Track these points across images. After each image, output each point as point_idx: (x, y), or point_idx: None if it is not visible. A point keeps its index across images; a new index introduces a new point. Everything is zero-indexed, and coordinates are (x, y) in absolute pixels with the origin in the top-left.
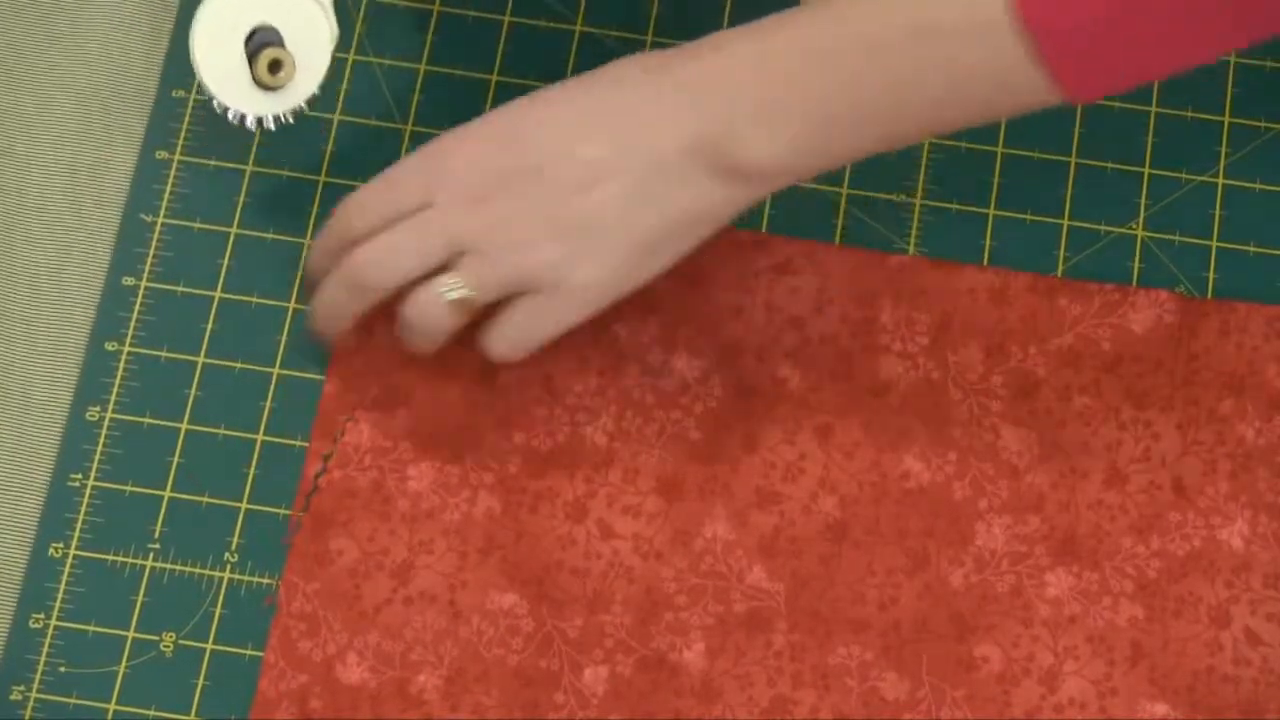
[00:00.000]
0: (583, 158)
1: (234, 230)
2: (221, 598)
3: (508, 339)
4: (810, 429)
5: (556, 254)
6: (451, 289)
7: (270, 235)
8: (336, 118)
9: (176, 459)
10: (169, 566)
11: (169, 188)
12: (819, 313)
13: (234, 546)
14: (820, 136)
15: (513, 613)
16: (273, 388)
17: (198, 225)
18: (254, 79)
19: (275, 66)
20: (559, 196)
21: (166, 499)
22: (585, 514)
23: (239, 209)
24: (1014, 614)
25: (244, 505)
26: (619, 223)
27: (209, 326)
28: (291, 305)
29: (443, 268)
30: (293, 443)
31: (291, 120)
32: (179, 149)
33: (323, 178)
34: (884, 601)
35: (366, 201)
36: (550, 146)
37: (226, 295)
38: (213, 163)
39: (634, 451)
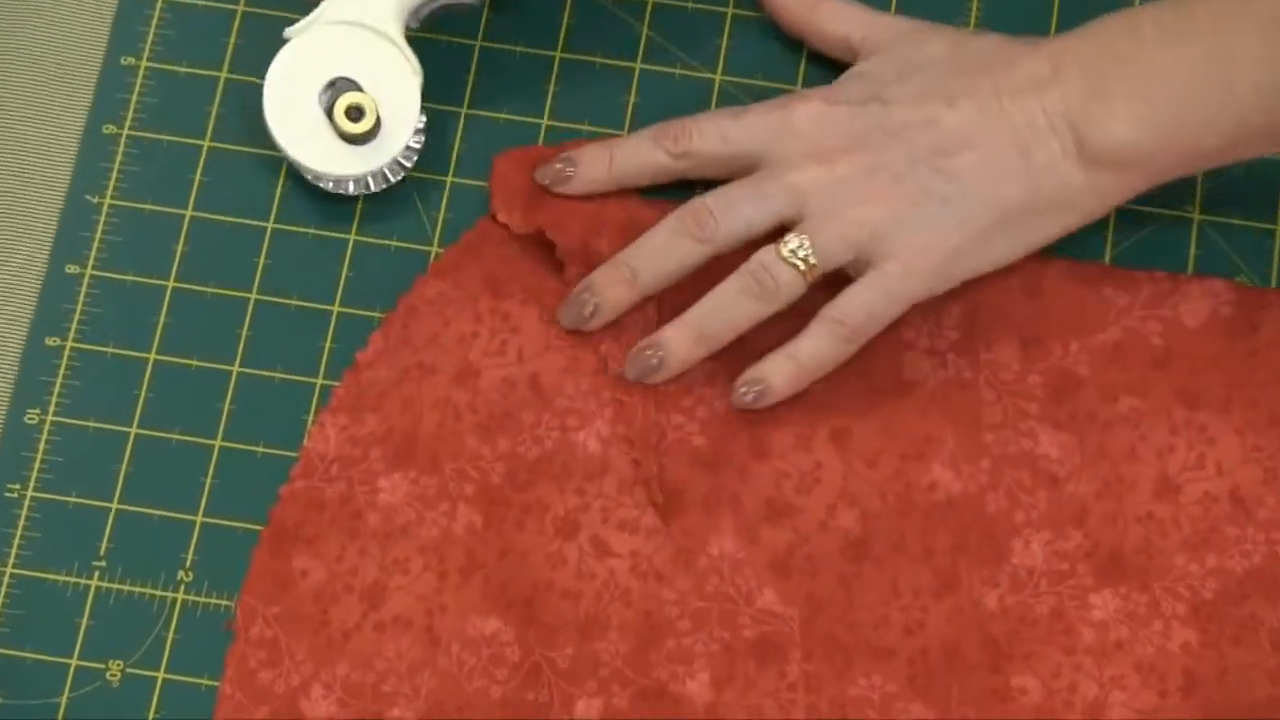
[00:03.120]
0: (945, 124)
1: (189, 213)
2: (175, 621)
3: (838, 321)
4: (827, 434)
5: (910, 216)
6: (799, 247)
7: (230, 219)
8: None
9: (124, 467)
10: (116, 587)
11: (117, 165)
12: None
13: (188, 564)
14: (1178, 121)
15: (496, 640)
16: (232, 388)
17: (149, 207)
18: (339, 133)
19: (356, 113)
20: (916, 160)
21: (113, 512)
22: (577, 529)
23: (195, 189)
24: (1054, 640)
25: (199, 518)
26: (979, 191)
27: (161, 319)
28: (254, 296)
29: (779, 232)
30: (254, 449)
31: (394, 180)
32: (128, 122)
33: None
34: (909, 626)
35: (708, 122)
36: (909, 111)
37: (181, 285)
38: (166, 138)
39: (631, 460)
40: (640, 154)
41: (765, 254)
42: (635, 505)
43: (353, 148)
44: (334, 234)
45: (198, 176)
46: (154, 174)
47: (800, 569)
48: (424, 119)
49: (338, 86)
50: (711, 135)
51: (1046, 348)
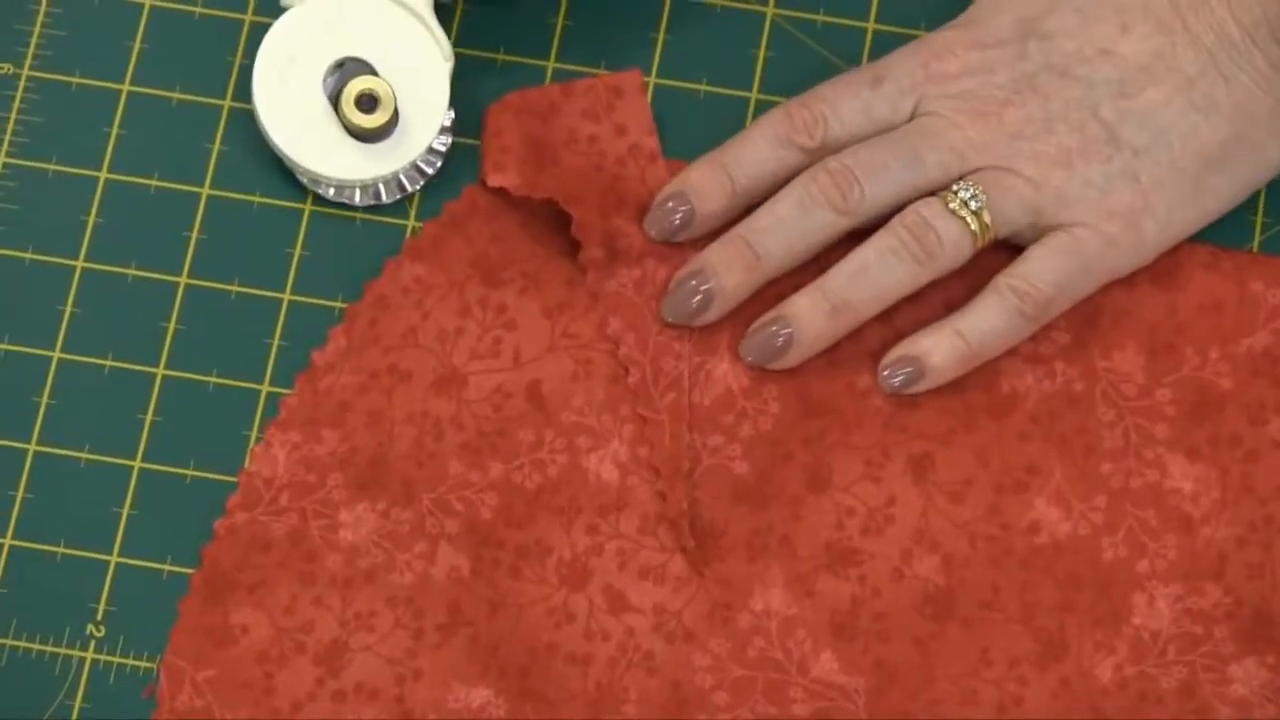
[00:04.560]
0: (1122, 54)
1: (104, 174)
2: (83, 687)
3: (1020, 292)
4: (903, 461)
5: (1100, 174)
6: (972, 198)
7: (155, 182)
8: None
9: (21, 493)
10: (10, 644)
11: (14, 114)
12: (915, 298)
13: (100, 616)
14: None
15: (485, 713)
16: (155, 395)
17: (54, 167)
18: (346, 127)
19: (369, 103)
20: (1097, 103)
21: (7, 548)
22: (587, 578)
23: (111, 144)
24: None
25: (114, 558)
26: (1176, 133)
27: (68, 308)
28: (183, 280)
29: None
30: (183, 472)
31: (412, 190)
32: (29, 60)
33: (228, 101)
34: (1004, 703)
35: (843, 98)
36: (1076, 42)
37: (93, 265)
38: (76, 80)
39: (656, 491)
40: (767, 161)
41: (926, 206)
42: (660, 548)
43: (363, 146)
44: (285, 203)
45: (115, 129)
46: (60, 125)
47: (867, 630)
48: (452, 115)
49: (347, 69)
50: (852, 116)
51: (1179, 355)
